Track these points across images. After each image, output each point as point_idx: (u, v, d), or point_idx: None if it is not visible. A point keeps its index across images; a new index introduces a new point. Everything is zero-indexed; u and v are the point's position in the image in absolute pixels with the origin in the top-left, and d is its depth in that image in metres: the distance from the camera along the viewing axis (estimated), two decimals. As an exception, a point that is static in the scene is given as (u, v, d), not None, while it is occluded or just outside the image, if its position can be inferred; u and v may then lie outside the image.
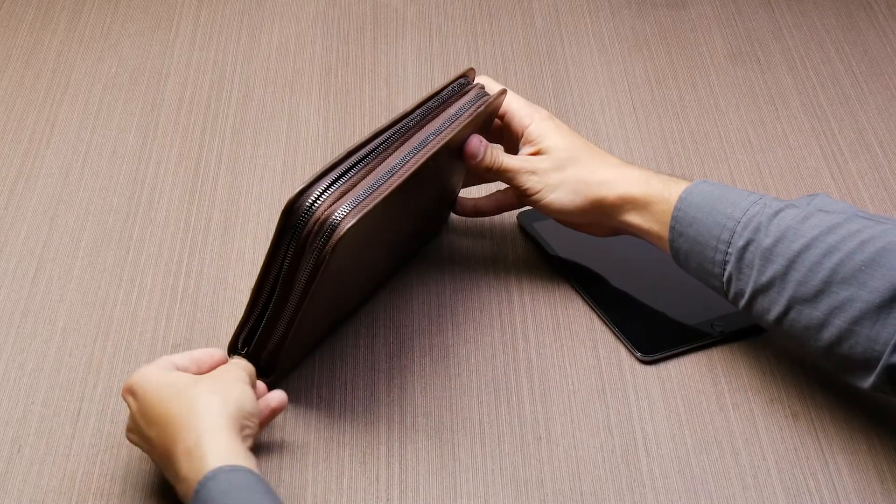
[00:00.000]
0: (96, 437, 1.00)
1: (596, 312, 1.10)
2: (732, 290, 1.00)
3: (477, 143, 1.08)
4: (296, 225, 0.95)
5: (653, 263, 1.11)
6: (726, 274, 0.99)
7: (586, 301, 1.11)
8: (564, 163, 1.07)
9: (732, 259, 0.98)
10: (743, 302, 0.99)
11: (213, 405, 0.89)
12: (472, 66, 1.39)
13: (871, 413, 1.01)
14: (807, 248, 0.95)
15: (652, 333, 1.07)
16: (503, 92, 1.10)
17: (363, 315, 1.10)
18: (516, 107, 1.11)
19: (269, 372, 1.01)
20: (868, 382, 0.94)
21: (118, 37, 1.44)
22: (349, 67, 1.39)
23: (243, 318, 1.00)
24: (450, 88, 1.08)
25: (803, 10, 1.48)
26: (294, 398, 1.02)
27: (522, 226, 1.18)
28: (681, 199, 1.02)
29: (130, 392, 0.92)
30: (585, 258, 1.15)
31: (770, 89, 1.37)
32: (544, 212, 1.09)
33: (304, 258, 0.96)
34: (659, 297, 1.11)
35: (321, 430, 1.00)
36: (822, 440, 0.99)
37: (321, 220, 0.94)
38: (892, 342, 0.91)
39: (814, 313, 0.95)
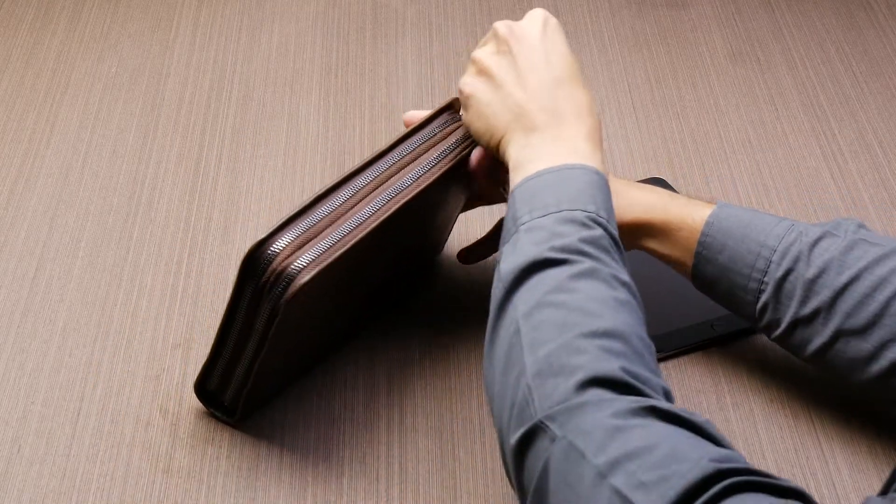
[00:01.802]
0: (96, 437, 1.00)
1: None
2: (767, 319, 0.98)
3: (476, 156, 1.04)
4: (255, 273, 0.92)
5: (653, 264, 1.11)
6: (760, 303, 0.97)
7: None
8: None
9: (770, 288, 0.96)
10: (779, 331, 0.97)
11: (597, 118, 0.94)
12: (472, 66, 1.39)
13: (871, 413, 1.01)
14: (854, 279, 0.93)
15: (652, 334, 1.07)
16: None
17: (363, 315, 1.10)
18: None
19: (232, 412, 0.99)
20: None
21: (118, 37, 1.44)
22: (349, 67, 1.39)
23: (208, 360, 0.98)
24: (437, 123, 1.02)
25: (803, 10, 1.48)
26: (295, 399, 1.02)
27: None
28: (708, 225, 0.99)
29: (542, 17, 0.96)
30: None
31: (770, 89, 1.37)
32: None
33: (261, 307, 0.93)
34: (659, 297, 1.11)
35: (321, 430, 1.00)
36: (822, 440, 0.99)
37: (278, 270, 0.91)
38: None
39: (863, 346, 0.93)
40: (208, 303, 1.11)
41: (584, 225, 0.86)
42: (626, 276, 0.85)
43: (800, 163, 1.27)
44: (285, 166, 1.26)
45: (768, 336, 0.99)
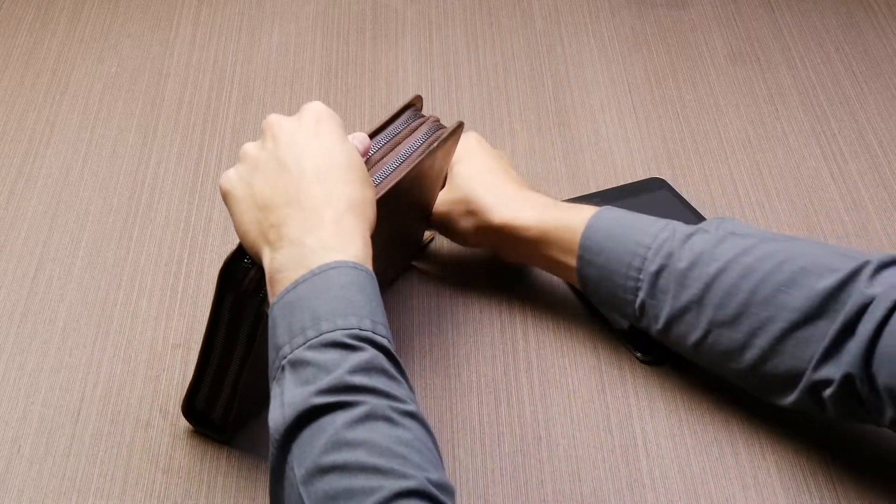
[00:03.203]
0: (96, 437, 1.00)
1: (596, 312, 1.10)
2: (646, 317, 0.99)
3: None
4: (234, 282, 0.91)
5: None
6: (639, 300, 0.99)
7: (586, 301, 1.10)
8: (460, 189, 1.08)
9: (645, 285, 0.98)
10: (658, 327, 0.99)
11: (374, 207, 0.90)
12: (472, 66, 1.39)
13: (871, 413, 1.01)
14: (722, 270, 0.95)
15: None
16: (461, 125, 1.04)
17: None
18: None
19: (223, 430, 0.98)
20: (790, 400, 0.94)
21: (118, 37, 1.44)
22: (349, 67, 1.39)
23: (193, 379, 0.97)
24: (400, 121, 1.01)
25: (803, 10, 1.48)
26: (294, 398, 1.02)
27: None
28: (588, 228, 1.01)
29: (315, 112, 0.91)
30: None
31: (770, 89, 1.37)
32: (451, 238, 1.11)
33: (244, 313, 0.92)
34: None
35: (321, 430, 1.00)
36: (822, 440, 0.99)
37: (258, 277, 0.90)
38: (815, 358, 0.91)
39: (734, 335, 0.95)
40: (208, 303, 1.11)
41: (349, 348, 0.79)
42: (409, 405, 0.78)
43: (800, 163, 1.27)
44: (285, 166, 1.26)
45: (651, 334, 1.01)
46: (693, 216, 1.19)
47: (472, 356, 1.06)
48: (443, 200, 1.10)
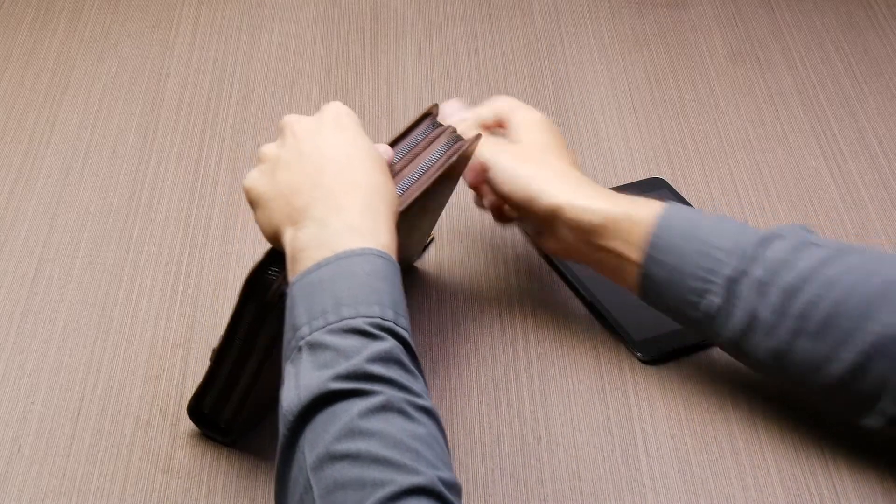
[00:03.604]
0: (96, 437, 1.00)
1: (596, 312, 1.10)
2: (716, 323, 0.96)
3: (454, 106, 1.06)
4: (257, 293, 0.91)
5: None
6: (710, 305, 0.95)
7: (586, 301, 1.11)
8: (526, 152, 1.04)
9: (720, 290, 0.95)
10: (729, 335, 0.95)
11: (390, 193, 0.88)
12: (472, 66, 1.39)
13: (871, 413, 1.01)
14: (805, 280, 0.92)
15: (652, 334, 1.07)
16: (477, 138, 1.02)
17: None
18: (498, 107, 1.09)
19: (228, 433, 0.98)
20: (874, 420, 0.92)
21: (118, 37, 1.44)
22: (349, 67, 1.39)
23: (204, 381, 0.96)
24: (419, 131, 1.00)
25: (803, 10, 1.48)
26: (294, 398, 1.02)
27: (523, 227, 1.18)
28: (659, 226, 0.97)
29: (334, 109, 0.92)
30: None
31: (770, 89, 1.37)
32: (495, 192, 1.04)
33: (265, 323, 0.91)
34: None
35: (321, 430, 1.00)
36: (823, 440, 0.99)
37: (282, 290, 0.88)
38: None
39: (818, 347, 0.92)
40: (208, 303, 1.11)
41: (370, 336, 0.78)
42: (424, 399, 0.78)
43: (800, 163, 1.27)
44: (285, 166, 1.26)
45: (717, 342, 0.98)
46: (693, 216, 1.19)
47: (472, 356, 1.06)
48: (502, 167, 1.03)
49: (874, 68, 1.40)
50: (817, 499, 0.96)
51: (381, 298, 0.80)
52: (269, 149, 0.91)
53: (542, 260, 1.15)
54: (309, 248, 0.83)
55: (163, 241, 1.17)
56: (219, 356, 0.95)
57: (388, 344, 0.78)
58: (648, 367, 1.05)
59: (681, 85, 1.37)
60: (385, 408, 0.75)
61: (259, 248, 1.16)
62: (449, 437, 0.99)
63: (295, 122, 0.91)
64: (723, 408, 1.02)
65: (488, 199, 1.07)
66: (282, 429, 0.78)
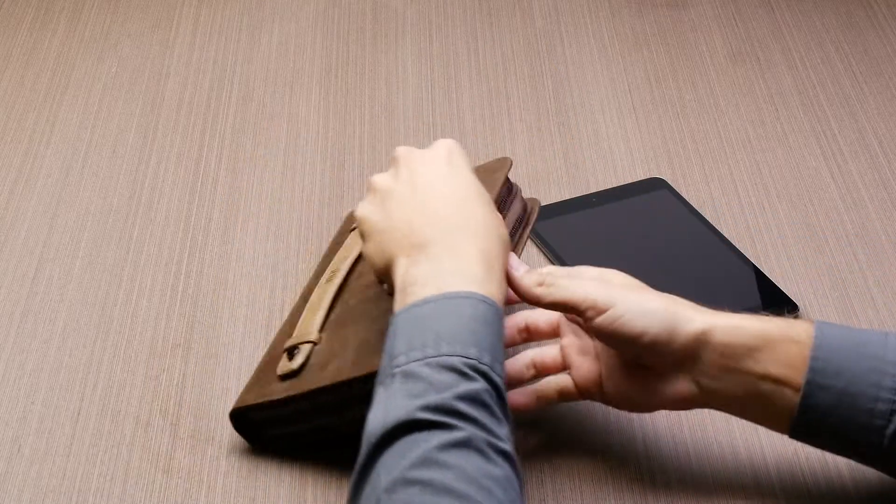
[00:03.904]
0: (96, 437, 1.00)
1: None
2: None
3: (514, 261, 0.91)
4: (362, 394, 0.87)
5: (654, 266, 1.11)
6: (893, 426, 0.85)
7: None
8: (640, 287, 0.91)
9: None
10: None
11: (503, 240, 0.87)
12: (472, 66, 1.39)
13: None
14: None
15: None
16: (536, 206, 1.00)
17: (363, 315, 1.10)
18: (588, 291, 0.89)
19: (255, 440, 0.98)
20: None
21: (118, 37, 1.44)
22: (349, 67, 1.39)
23: (275, 401, 0.95)
24: (506, 197, 0.98)
25: (803, 10, 1.48)
26: (294, 398, 1.02)
27: (522, 226, 1.18)
28: (816, 347, 0.85)
29: (446, 146, 0.90)
30: (588, 262, 1.14)
31: (770, 89, 1.37)
32: (612, 340, 0.88)
33: (354, 406, 0.90)
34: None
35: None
36: (822, 440, 0.99)
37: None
38: None
39: None
40: (208, 303, 1.11)
41: (464, 375, 0.78)
42: (505, 444, 0.77)
43: (800, 163, 1.27)
44: (285, 166, 1.26)
45: (891, 465, 0.88)
46: (693, 216, 1.19)
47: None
48: (616, 285, 0.90)
49: (874, 68, 1.40)
50: (817, 499, 0.95)
51: (480, 341, 0.80)
52: (381, 179, 0.90)
53: (543, 260, 1.15)
54: (419, 283, 0.83)
55: (163, 241, 1.17)
56: (311, 394, 0.93)
57: (480, 385, 0.78)
58: (648, 367, 1.05)
59: (681, 85, 1.37)
60: (465, 444, 0.75)
61: (259, 247, 1.16)
62: (449, 437, 0.99)
63: (408, 154, 0.90)
64: (723, 408, 1.02)
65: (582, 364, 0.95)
66: (363, 448, 0.78)
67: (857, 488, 0.96)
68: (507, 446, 0.77)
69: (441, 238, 0.85)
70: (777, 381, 0.87)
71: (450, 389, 0.77)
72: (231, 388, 1.03)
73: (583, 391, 0.94)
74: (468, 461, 0.74)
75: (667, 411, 0.99)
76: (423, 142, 1.28)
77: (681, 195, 1.21)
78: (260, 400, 0.96)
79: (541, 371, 0.96)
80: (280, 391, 0.95)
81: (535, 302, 0.90)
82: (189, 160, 1.26)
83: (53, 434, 1.00)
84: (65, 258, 1.16)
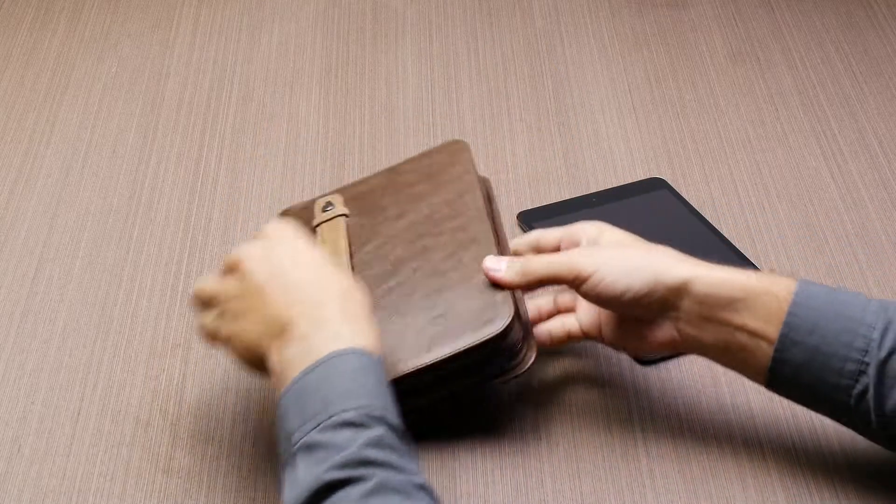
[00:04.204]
0: (96, 437, 1.00)
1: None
2: (866, 405, 0.88)
3: (492, 262, 0.98)
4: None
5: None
6: (860, 386, 0.88)
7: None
8: (625, 246, 0.96)
9: (872, 370, 0.87)
10: (883, 417, 0.88)
11: (361, 295, 0.89)
12: (472, 66, 1.39)
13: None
14: None
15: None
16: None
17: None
18: (564, 228, 1.00)
19: None
20: None
21: (118, 37, 1.44)
22: (349, 67, 1.39)
23: None
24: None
25: (803, 10, 1.48)
26: (294, 398, 1.02)
27: (522, 226, 1.18)
28: (794, 303, 0.88)
29: (272, 228, 0.92)
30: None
31: (770, 89, 1.37)
32: (601, 300, 0.94)
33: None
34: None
35: (321, 430, 1.00)
36: (822, 440, 0.99)
37: None
38: None
39: None
40: (208, 303, 1.11)
41: (361, 426, 0.80)
42: (419, 477, 0.80)
43: (800, 163, 1.27)
44: (285, 166, 1.26)
45: (863, 428, 0.90)
46: (693, 216, 1.19)
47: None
48: (595, 250, 0.96)
49: (874, 68, 1.40)
50: (817, 499, 0.95)
51: (366, 391, 0.82)
52: (223, 288, 0.91)
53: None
54: (294, 362, 0.85)
55: (163, 241, 1.17)
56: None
57: (380, 430, 0.81)
58: (648, 367, 1.05)
59: (681, 85, 1.37)
60: (382, 488, 0.77)
61: (259, 248, 1.16)
62: (449, 437, 0.99)
63: (245, 255, 0.90)
64: (723, 408, 1.02)
65: (577, 318, 1.01)
66: None
67: (857, 488, 0.96)
68: (422, 479, 0.80)
69: (303, 315, 0.86)
70: (753, 333, 0.90)
71: (353, 443, 0.79)
72: (231, 387, 1.03)
73: (586, 334, 1.01)
74: (391, 503, 0.77)
75: (667, 411, 0.99)
76: (423, 142, 1.28)
77: (681, 195, 1.21)
78: None
79: (560, 308, 1.03)
80: None
81: (527, 287, 0.97)
82: (189, 160, 1.26)
83: (53, 434, 1.00)
84: (65, 258, 1.16)
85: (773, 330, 0.89)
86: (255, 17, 1.47)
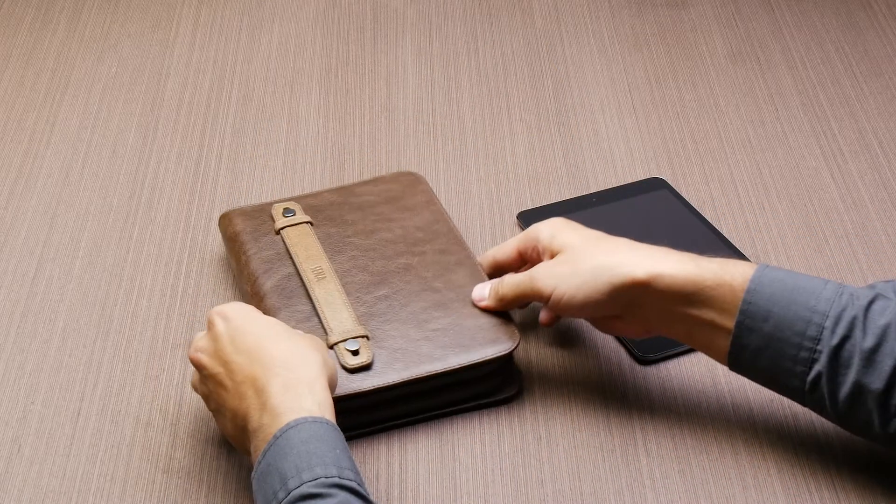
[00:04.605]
0: (96, 437, 1.00)
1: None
2: (821, 392, 0.90)
3: (479, 289, 1.03)
4: None
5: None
6: (813, 374, 0.90)
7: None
8: (578, 253, 0.98)
9: (824, 358, 0.89)
10: (837, 405, 0.90)
11: (317, 359, 0.90)
12: (472, 66, 1.39)
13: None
14: None
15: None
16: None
17: (363, 315, 1.10)
18: (522, 235, 1.04)
19: None
20: None
21: (118, 37, 1.44)
22: (349, 67, 1.39)
23: None
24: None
25: (803, 10, 1.48)
26: (294, 398, 1.02)
27: (522, 226, 1.18)
28: (749, 291, 0.91)
29: (223, 316, 0.93)
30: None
31: (770, 89, 1.37)
32: (568, 313, 0.99)
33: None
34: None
35: (321, 430, 1.00)
36: (822, 440, 0.99)
37: None
38: None
39: None
40: (208, 303, 1.11)
41: (318, 496, 0.82)
42: None
43: (800, 163, 1.27)
44: (285, 166, 1.26)
45: (820, 411, 0.92)
46: (693, 216, 1.19)
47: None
48: (550, 266, 0.99)
49: (874, 68, 1.40)
50: (817, 499, 0.96)
51: (320, 460, 0.84)
52: (200, 388, 0.95)
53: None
54: (258, 450, 0.87)
55: (163, 241, 1.17)
56: (413, 382, 0.99)
57: (340, 497, 0.82)
58: (648, 367, 1.06)
59: (681, 85, 1.37)
60: None
61: (259, 248, 1.15)
62: (449, 437, 0.99)
63: (200, 356, 0.93)
64: (723, 408, 1.02)
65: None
66: None
67: (857, 488, 0.96)
68: None
69: (252, 407, 0.88)
70: (711, 323, 0.93)
71: None
72: (231, 388, 1.03)
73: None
74: None
75: (667, 411, 0.99)
76: (423, 141, 1.28)
77: (681, 195, 1.21)
78: (354, 391, 0.98)
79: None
80: (371, 382, 0.98)
81: (508, 308, 1.02)
82: (189, 160, 1.26)
83: (53, 434, 1.00)
84: (65, 258, 1.16)
85: (729, 319, 0.92)
86: (255, 17, 1.47)
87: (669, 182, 1.23)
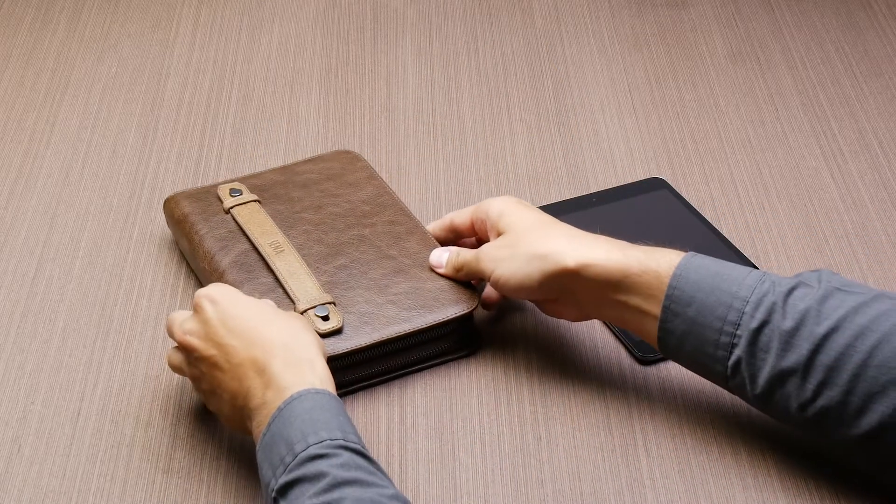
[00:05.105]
0: (96, 437, 1.00)
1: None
2: (740, 376, 0.93)
3: (437, 255, 1.07)
4: None
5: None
6: (733, 358, 0.92)
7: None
8: (519, 237, 1.02)
9: (743, 342, 0.92)
10: (757, 389, 0.92)
11: (312, 339, 0.93)
12: (472, 66, 1.39)
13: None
14: (834, 330, 0.89)
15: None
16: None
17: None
18: (476, 206, 1.07)
19: None
20: None
21: (118, 37, 1.44)
22: (349, 67, 1.39)
23: None
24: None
25: (803, 10, 1.48)
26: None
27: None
28: (675, 277, 0.94)
29: (210, 299, 0.94)
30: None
31: (770, 89, 1.37)
32: (503, 292, 1.03)
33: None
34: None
35: (321, 430, 1.00)
36: (823, 440, 0.99)
37: None
38: None
39: (850, 400, 0.88)
40: (208, 303, 1.11)
41: (327, 456, 0.85)
42: (390, 489, 0.84)
43: (800, 163, 1.27)
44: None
45: (742, 396, 0.95)
46: (693, 216, 1.19)
47: (472, 356, 1.06)
48: (492, 248, 1.03)
49: (874, 68, 1.40)
50: (817, 499, 0.96)
51: (326, 425, 0.87)
52: (189, 370, 0.96)
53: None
54: (261, 425, 0.89)
55: (163, 241, 1.17)
56: (391, 340, 1.03)
57: (345, 457, 0.85)
58: (648, 367, 1.06)
59: (681, 85, 1.37)
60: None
61: (259, 248, 1.15)
62: (449, 437, 0.99)
63: (190, 339, 0.94)
64: (723, 408, 1.02)
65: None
66: None
67: (857, 487, 0.96)
68: (393, 490, 0.84)
69: (254, 386, 0.90)
70: (639, 309, 0.97)
71: (326, 474, 0.83)
72: (231, 388, 1.03)
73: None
74: None
75: (667, 411, 0.99)
76: (423, 141, 1.28)
77: (681, 195, 1.21)
78: (343, 350, 1.01)
79: None
80: (345, 345, 1.01)
81: (461, 279, 1.06)
82: (189, 160, 1.26)
83: (53, 434, 1.00)
84: (65, 258, 1.16)
85: (655, 305, 0.95)
86: (255, 17, 1.47)
87: (669, 182, 1.23)
